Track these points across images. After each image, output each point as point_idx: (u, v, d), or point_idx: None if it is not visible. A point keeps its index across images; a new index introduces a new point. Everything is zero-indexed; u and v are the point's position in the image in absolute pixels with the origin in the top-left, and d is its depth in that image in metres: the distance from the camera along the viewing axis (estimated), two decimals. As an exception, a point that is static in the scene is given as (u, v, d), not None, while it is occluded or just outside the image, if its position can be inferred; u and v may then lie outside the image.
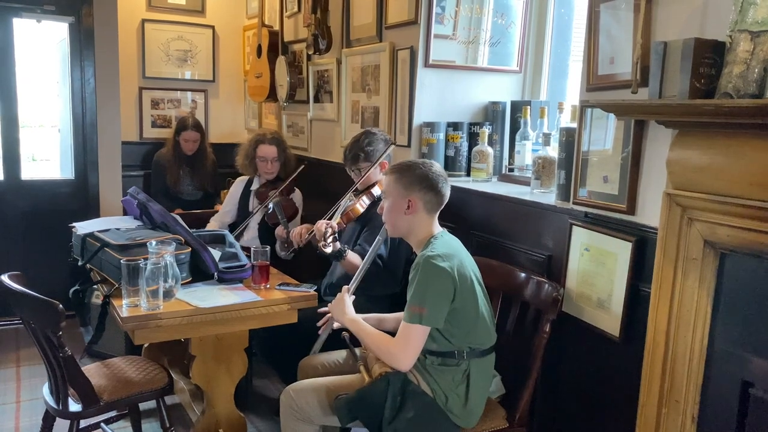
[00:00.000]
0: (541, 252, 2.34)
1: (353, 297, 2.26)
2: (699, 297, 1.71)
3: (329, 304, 2.24)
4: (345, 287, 2.25)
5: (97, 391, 2.19)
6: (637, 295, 1.96)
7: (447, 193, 2.12)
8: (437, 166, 2.14)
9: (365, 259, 2.35)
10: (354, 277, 2.32)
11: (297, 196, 3.56)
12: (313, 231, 2.70)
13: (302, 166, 3.43)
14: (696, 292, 1.72)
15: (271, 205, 3.26)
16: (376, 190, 2.79)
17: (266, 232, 3.43)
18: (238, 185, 3.68)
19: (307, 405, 2.05)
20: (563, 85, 3.01)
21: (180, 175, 4.41)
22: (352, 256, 2.61)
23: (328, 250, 2.56)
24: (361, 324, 2.12)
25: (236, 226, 3.52)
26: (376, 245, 2.35)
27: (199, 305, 2.23)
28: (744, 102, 1.45)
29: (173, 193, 4.40)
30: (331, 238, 2.57)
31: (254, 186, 3.61)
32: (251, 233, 3.46)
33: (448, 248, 2.02)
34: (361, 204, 2.73)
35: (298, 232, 2.88)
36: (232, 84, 5.09)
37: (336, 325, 2.25)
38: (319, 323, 2.33)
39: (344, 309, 2.17)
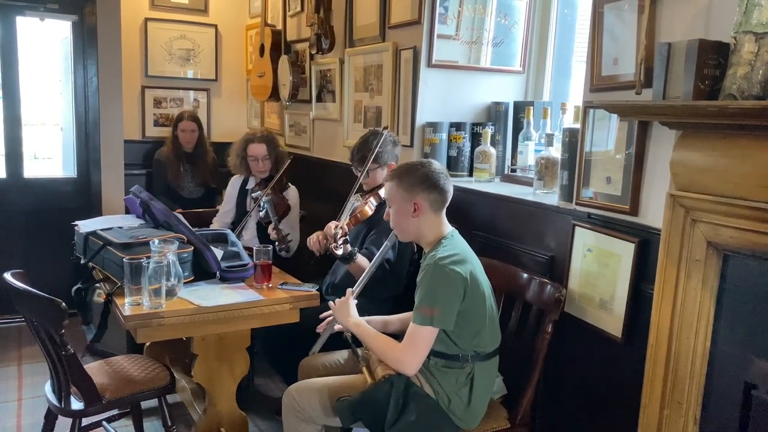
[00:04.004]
0: (543, 252, 2.34)
1: (356, 300, 2.23)
2: (702, 298, 1.71)
3: (332, 307, 2.21)
4: (349, 290, 2.22)
5: (99, 390, 2.20)
6: (639, 296, 1.96)
7: (450, 189, 2.10)
8: (436, 164, 2.12)
9: (372, 263, 2.31)
10: (359, 281, 2.28)
11: (292, 192, 3.51)
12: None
13: (288, 161, 3.39)
14: (699, 294, 1.71)
15: (263, 204, 3.25)
16: (383, 192, 2.77)
17: (265, 232, 3.42)
18: (234, 184, 3.65)
19: (309, 405, 2.05)
20: (566, 85, 3.01)
21: (181, 171, 4.42)
22: (361, 260, 2.58)
23: (339, 252, 2.53)
24: (366, 328, 2.10)
25: (236, 224, 3.51)
26: (384, 250, 2.31)
27: (202, 304, 2.23)
28: (749, 103, 1.45)
29: (175, 190, 4.40)
30: (342, 239, 2.55)
31: (249, 185, 3.60)
32: (250, 233, 3.45)
33: (459, 251, 2.01)
34: (370, 206, 2.70)
35: (315, 239, 2.72)
36: (235, 83, 5.10)
37: (338, 327, 2.23)
38: (320, 327, 2.30)
39: (348, 312, 2.15)
